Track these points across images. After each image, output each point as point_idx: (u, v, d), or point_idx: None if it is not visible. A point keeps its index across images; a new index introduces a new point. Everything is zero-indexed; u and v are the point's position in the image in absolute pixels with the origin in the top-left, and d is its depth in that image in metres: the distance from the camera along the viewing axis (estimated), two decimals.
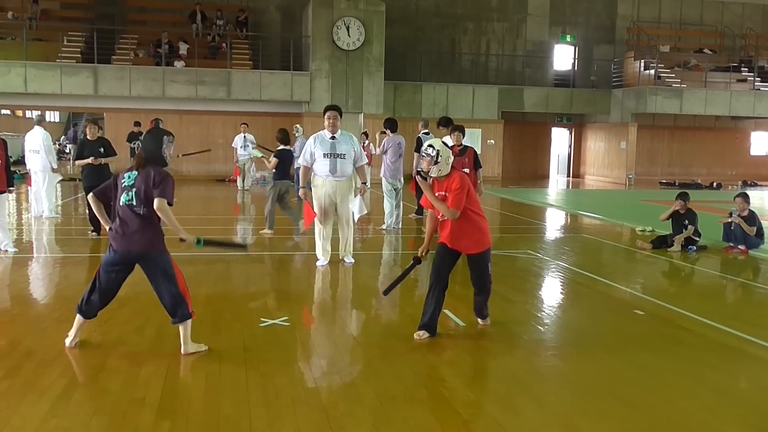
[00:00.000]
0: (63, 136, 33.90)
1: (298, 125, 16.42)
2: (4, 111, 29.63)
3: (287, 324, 5.54)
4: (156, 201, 4.46)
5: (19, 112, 31.99)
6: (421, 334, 5.14)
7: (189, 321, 4.68)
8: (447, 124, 10.44)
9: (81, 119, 32.34)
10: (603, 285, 7.40)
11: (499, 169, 24.52)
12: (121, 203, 4.53)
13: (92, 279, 4.68)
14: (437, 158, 5.14)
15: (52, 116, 37.62)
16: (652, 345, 5.25)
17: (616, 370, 4.65)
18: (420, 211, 12.75)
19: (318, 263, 7.92)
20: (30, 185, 11.81)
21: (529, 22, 26.45)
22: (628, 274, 8.45)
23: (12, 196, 10.38)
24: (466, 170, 9.17)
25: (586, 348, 5.17)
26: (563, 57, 27.11)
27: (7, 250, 8.40)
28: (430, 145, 5.19)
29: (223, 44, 22.13)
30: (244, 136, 18.16)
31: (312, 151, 7.75)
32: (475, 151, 9.39)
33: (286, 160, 10.43)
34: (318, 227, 7.91)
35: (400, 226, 11.24)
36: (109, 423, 3.63)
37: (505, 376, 4.51)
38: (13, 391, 4.02)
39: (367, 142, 19.17)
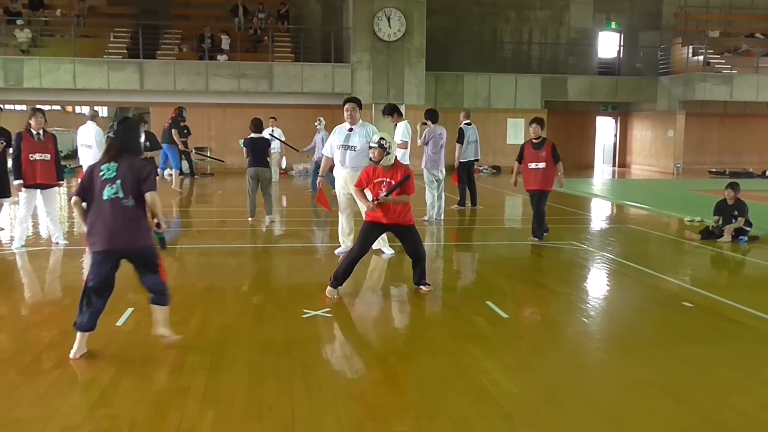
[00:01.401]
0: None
1: (320, 118, 16.46)
2: (54, 107, 30.37)
3: (329, 315, 5.55)
4: (149, 195, 4.39)
5: (69, 108, 32.74)
6: (332, 292, 5.97)
7: (167, 306, 4.65)
8: (392, 112, 10.33)
9: (127, 114, 32.97)
10: (650, 276, 7.24)
11: None
12: (104, 197, 4.32)
13: (82, 295, 4.46)
14: (389, 149, 5.98)
15: (101, 111, 38.42)
16: (701, 338, 5.13)
17: (664, 363, 4.55)
18: (462, 202, 12.68)
19: (336, 250, 8.09)
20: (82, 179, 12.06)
21: (573, 9, 26.02)
22: (676, 266, 8.27)
23: (62, 190, 10.61)
24: (542, 164, 8.98)
25: (632, 341, 5.07)
26: (608, 44, 26.61)
27: (58, 242, 8.61)
28: (382, 138, 5.98)
29: (265, 37, 22.29)
30: (272, 130, 18.23)
31: (331, 142, 7.94)
32: (553, 144, 9.17)
33: (256, 147, 10.51)
34: (341, 216, 8.10)
35: (442, 218, 11.18)
36: (155, 412, 3.69)
37: (548, 368, 4.44)
38: (64, 379, 4.11)
39: None
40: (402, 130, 10.36)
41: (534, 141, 9.18)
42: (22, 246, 8.30)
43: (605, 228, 11.50)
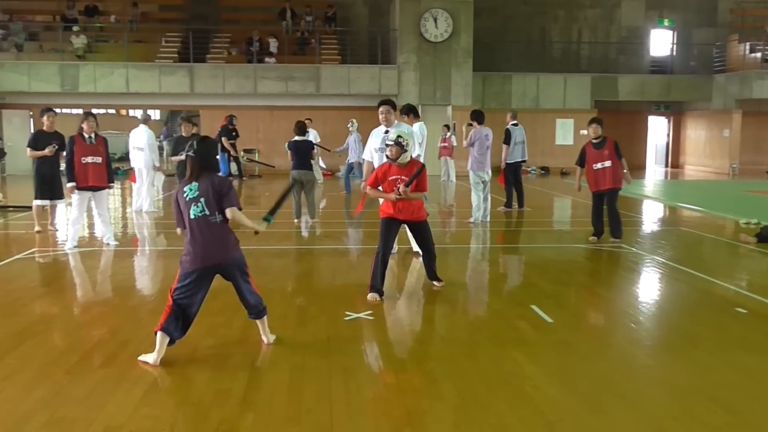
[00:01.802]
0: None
1: (353, 120, 16.52)
2: (110, 111, 31.17)
3: (371, 318, 5.54)
4: (229, 211, 4.45)
5: (123, 111, 33.57)
6: (375, 298, 5.99)
7: (266, 314, 4.77)
8: (408, 112, 10.12)
9: (176, 117, 33.62)
10: (702, 281, 7.02)
11: None
12: (192, 217, 4.39)
13: (170, 309, 4.41)
14: (406, 147, 6.08)
15: (153, 114, 39.31)
16: (755, 346, 4.94)
17: (715, 372, 4.40)
18: (509, 204, 12.54)
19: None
20: (134, 181, 12.35)
21: (624, 7, 25.53)
22: (731, 270, 8.00)
23: (113, 192, 10.85)
24: (607, 163, 8.89)
25: (682, 348, 4.91)
26: (660, 42, 26.00)
27: (108, 243, 8.81)
28: (400, 135, 6.09)
29: (312, 40, 22.45)
30: (309, 132, 18.28)
31: (369, 146, 7.93)
32: (615, 142, 9.04)
33: (300, 150, 10.57)
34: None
35: (488, 220, 11.07)
36: (195, 413, 3.72)
37: (593, 375, 4.33)
38: (110, 379, 4.18)
39: (449, 134, 19.00)
40: (418, 131, 10.18)
41: (594, 141, 9.04)
42: (75, 246, 8.51)
43: (656, 230, 11.22)
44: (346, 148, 15.99)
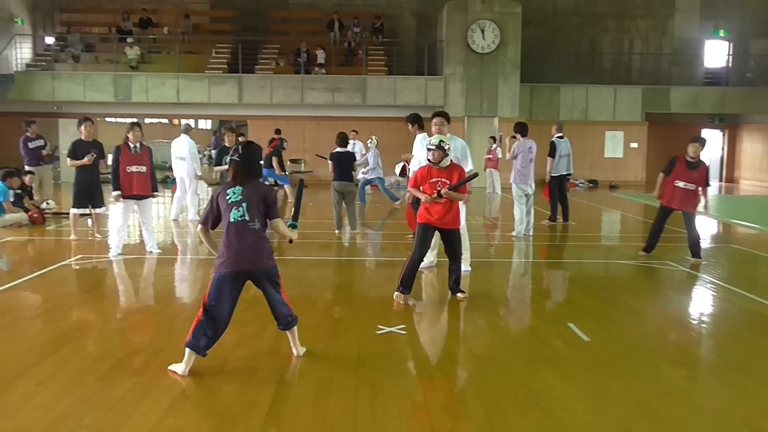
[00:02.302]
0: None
1: (373, 136, 16.54)
2: (162, 120, 31.90)
3: (404, 332, 5.48)
4: (275, 221, 4.53)
5: (175, 121, 34.36)
6: (402, 297, 6.35)
7: (296, 325, 4.77)
8: (414, 121, 9.96)
9: (229, 126, 34.22)
10: (754, 303, 6.73)
11: (642, 173, 23.33)
12: (231, 220, 4.40)
13: (200, 317, 4.42)
14: (447, 151, 6.31)
15: (204, 124, 40.05)
16: None
17: (760, 399, 4.20)
18: (553, 217, 12.33)
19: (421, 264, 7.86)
20: (175, 190, 12.56)
21: (677, 17, 24.98)
22: None
23: (157, 200, 11.05)
24: (692, 186, 8.60)
25: (725, 372, 4.72)
26: (715, 53, 25.34)
27: (151, 251, 8.94)
28: (442, 140, 6.31)
29: (359, 51, 22.57)
30: (353, 143, 18.37)
31: (420, 157, 7.80)
32: (708, 168, 8.79)
33: (341, 161, 10.60)
34: None
35: (531, 234, 10.90)
36: (219, 425, 3.71)
37: (628, 397, 4.18)
38: (139, 388, 4.21)
39: (494, 146, 18.83)
40: (420, 142, 10.06)
41: (690, 160, 8.71)
42: (119, 254, 8.66)
43: (707, 248, 10.84)
44: (365, 162, 16.13)
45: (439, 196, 6.22)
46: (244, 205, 4.40)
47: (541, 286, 7.82)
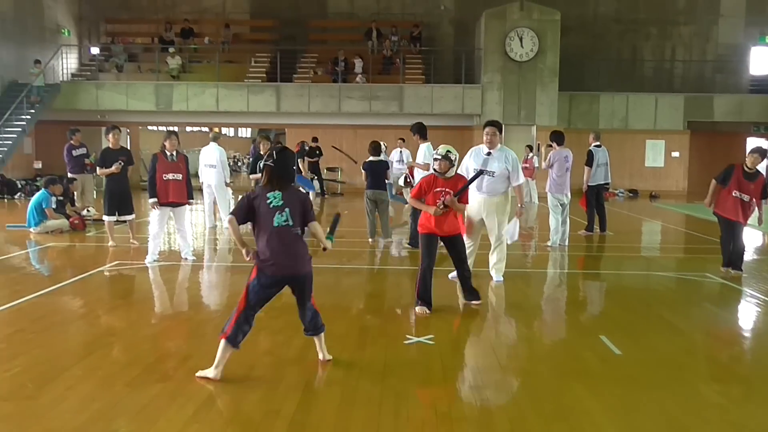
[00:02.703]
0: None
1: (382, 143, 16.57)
2: (203, 128, 32.43)
3: (432, 342, 5.43)
4: (314, 224, 4.59)
5: (216, 129, 34.93)
6: (424, 310, 6.30)
7: (323, 331, 4.80)
8: (417, 131, 10.11)
9: (267, 134, 34.65)
10: None
11: (684, 182, 22.89)
12: (275, 224, 4.41)
13: (242, 308, 4.47)
14: (454, 162, 6.39)
15: (243, 132, 40.65)
16: None
17: None
18: (590, 227, 12.15)
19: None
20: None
21: (722, 24, 24.49)
22: None
23: (192, 208, 11.19)
24: (747, 197, 8.39)
25: (764, 390, 4.57)
26: (761, 60, 24.75)
27: (187, 258, 9.06)
28: (449, 150, 6.36)
29: (396, 60, 22.61)
30: (401, 151, 18.38)
31: (467, 165, 7.68)
32: (766, 181, 8.58)
33: (375, 171, 10.65)
34: (466, 240, 7.75)
35: (566, 244, 10.74)
36: None
37: (659, 414, 4.07)
38: (166, 393, 4.25)
39: (531, 155, 18.65)
40: (424, 152, 10.08)
41: (747, 170, 8.48)
42: (155, 260, 8.79)
43: (750, 260, 10.56)
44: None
45: (445, 206, 6.24)
46: (286, 210, 4.42)
47: (574, 298, 7.70)
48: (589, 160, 11.98)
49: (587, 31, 24.21)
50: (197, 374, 4.51)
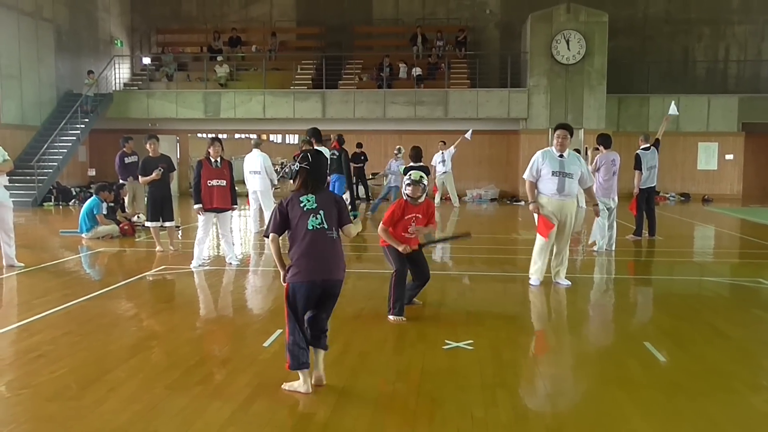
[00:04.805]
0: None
1: (400, 146, 16.57)
2: (251, 135, 32.94)
3: (471, 348, 5.38)
4: (350, 227, 4.53)
5: (264, 136, 35.39)
6: (400, 319, 6.17)
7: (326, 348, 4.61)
8: (312, 136, 11.22)
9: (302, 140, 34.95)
10: None
11: (739, 186, 22.24)
12: (309, 227, 4.29)
13: (292, 332, 4.32)
14: (425, 187, 6.34)
15: (290, 139, 41.02)
16: None
17: None
18: (638, 232, 11.89)
19: (532, 281, 7.76)
20: (248, 204, 12.90)
21: None
22: None
23: (238, 213, 11.33)
24: None
25: None
26: None
27: (231, 263, 9.18)
28: (422, 176, 6.30)
29: (441, 64, 22.57)
30: (443, 153, 18.40)
31: (539, 167, 7.60)
32: None
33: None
34: (539, 246, 7.75)
35: (613, 248, 10.54)
36: None
37: (703, 423, 3.94)
38: (204, 395, 4.31)
39: None
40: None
41: None
42: (199, 265, 8.93)
43: None
44: (386, 173, 16.37)
45: (420, 246, 6.40)
46: (321, 212, 4.32)
47: (618, 303, 7.53)
48: (637, 164, 11.72)
49: (636, 32, 23.77)
50: (285, 387, 4.38)
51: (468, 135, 18.10)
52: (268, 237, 4.45)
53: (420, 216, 6.30)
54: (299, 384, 4.32)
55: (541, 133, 21.08)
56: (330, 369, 4.82)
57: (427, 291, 8.00)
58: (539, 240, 7.74)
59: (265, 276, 9.02)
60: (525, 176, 7.83)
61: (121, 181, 13.61)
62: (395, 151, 16.94)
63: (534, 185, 7.72)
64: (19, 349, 5.35)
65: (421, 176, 6.30)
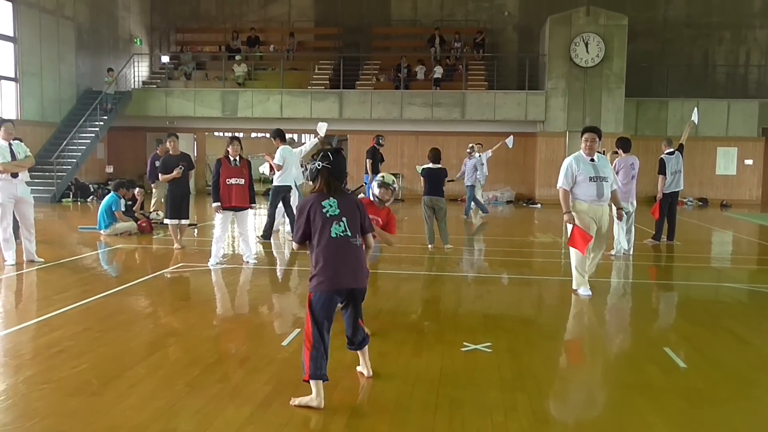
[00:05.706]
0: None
1: (472, 144, 16.51)
2: (268, 134, 33.09)
3: (489, 351, 5.36)
4: (368, 237, 4.39)
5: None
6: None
7: (368, 344, 4.63)
8: (275, 135, 11.23)
9: (331, 140, 35.00)
10: None
11: (758, 191, 22.03)
12: (332, 235, 4.12)
13: (312, 341, 4.13)
14: (395, 192, 6.28)
15: (306, 138, 41.11)
16: None
17: None
18: (657, 236, 11.81)
19: (581, 292, 7.44)
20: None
21: None
22: None
23: (254, 212, 11.38)
24: None
25: None
26: None
27: (248, 261, 9.21)
28: (394, 180, 6.20)
29: (459, 66, 22.54)
30: (480, 156, 18.28)
31: (575, 173, 7.28)
32: None
33: (433, 177, 10.74)
34: (578, 260, 7.43)
35: (631, 253, 10.48)
36: None
37: (723, 429, 3.91)
38: (224, 394, 4.32)
39: None
40: (280, 154, 11.06)
41: None
42: (217, 263, 8.97)
43: None
44: (463, 173, 16.28)
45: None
46: (344, 219, 4.15)
47: (637, 308, 7.48)
48: (662, 169, 11.61)
49: (656, 35, 23.62)
50: (294, 403, 4.14)
51: (509, 141, 17.41)
52: (298, 243, 4.28)
53: (380, 220, 6.01)
54: (311, 398, 4.09)
55: (558, 136, 21.01)
56: (349, 370, 4.84)
57: (443, 293, 8.03)
58: (576, 254, 7.37)
59: (282, 275, 9.05)
60: (560, 185, 7.37)
61: (149, 182, 13.74)
62: (468, 150, 16.77)
63: (568, 194, 7.32)
64: (39, 345, 5.39)
65: (394, 180, 6.18)
